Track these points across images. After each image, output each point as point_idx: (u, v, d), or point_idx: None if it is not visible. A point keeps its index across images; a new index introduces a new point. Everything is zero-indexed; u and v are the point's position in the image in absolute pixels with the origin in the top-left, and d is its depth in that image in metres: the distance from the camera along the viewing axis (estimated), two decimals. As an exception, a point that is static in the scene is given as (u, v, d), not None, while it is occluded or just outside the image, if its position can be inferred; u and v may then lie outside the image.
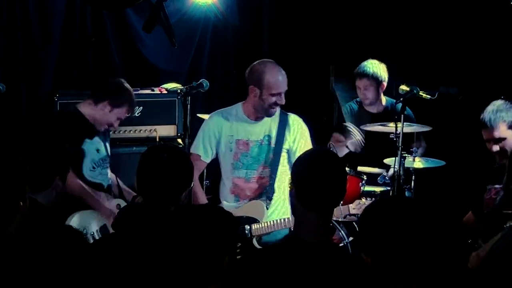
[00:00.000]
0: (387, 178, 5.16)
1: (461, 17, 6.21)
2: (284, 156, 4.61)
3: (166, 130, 5.87)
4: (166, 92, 5.89)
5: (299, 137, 4.62)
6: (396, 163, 4.68)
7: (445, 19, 6.30)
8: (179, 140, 5.80)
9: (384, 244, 2.37)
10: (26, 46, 5.94)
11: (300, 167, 2.95)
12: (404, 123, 4.71)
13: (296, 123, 4.65)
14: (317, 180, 2.83)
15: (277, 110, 4.56)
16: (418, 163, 5.11)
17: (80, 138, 4.64)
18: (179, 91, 5.70)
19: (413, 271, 2.36)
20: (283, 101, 4.50)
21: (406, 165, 4.80)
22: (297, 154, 4.44)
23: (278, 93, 4.47)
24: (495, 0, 5.94)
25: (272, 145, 4.58)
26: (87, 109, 4.68)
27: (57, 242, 2.25)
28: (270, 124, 4.60)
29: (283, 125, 4.59)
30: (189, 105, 4.62)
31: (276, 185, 4.58)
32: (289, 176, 3.75)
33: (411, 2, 6.44)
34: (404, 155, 4.74)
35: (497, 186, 3.97)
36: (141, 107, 5.67)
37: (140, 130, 5.79)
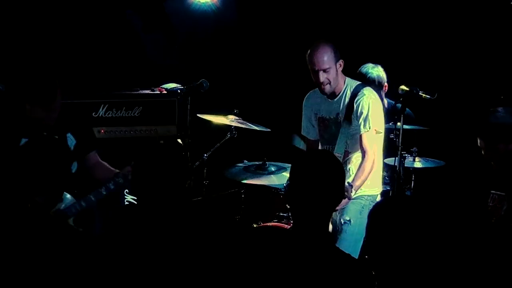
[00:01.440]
0: (387, 178, 5.16)
1: (461, 17, 6.20)
2: (355, 131, 4.66)
3: (166, 130, 5.87)
4: (166, 92, 5.88)
5: (359, 112, 4.63)
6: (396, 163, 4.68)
7: (445, 19, 6.29)
8: (179, 140, 5.79)
9: (390, 245, 2.36)
10: (26, 46, 5.94)
11: (296, 168, 2.95)
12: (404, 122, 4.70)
13: (359, 97, 4.68)
14: (311, 181, 2.83)
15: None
16: (418, 163, 5.11)
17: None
18: (179, 91, 5.69)
19: (416, 272, 2.36)
20: (320, 79, 4.59)
21: (406, 165, 4.80)
22: (361, 129, 4.59)
23: (313, 70, 4.59)
24: (495, 0, 5.95)
25: (341, 122, 4.71)
26: None
27: (55, 242, 2.25)
28: (342, 102, 4.71)
29: (350, 102, 4.68)
30: (189, 105, 4.63)
31: (352, 160, 4.68)
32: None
33: (411, 2, 6.44)
34: (404, 155, 4.73)
35: (499, 193, 3.94)
36: (141, 107, 5.65)
37: (140, 130, 5.78)
